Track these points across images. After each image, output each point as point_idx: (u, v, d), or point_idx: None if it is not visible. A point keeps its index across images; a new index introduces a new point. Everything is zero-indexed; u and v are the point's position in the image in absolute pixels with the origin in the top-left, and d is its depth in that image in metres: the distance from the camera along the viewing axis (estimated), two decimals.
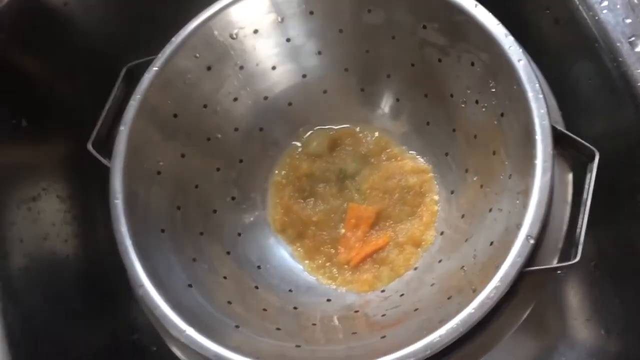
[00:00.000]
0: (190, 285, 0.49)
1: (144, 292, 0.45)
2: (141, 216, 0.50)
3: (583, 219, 0.43)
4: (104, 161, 0.52)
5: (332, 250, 0.59)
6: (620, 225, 0.53)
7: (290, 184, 0.62)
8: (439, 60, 0.55)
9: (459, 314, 0.40)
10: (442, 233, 0.56)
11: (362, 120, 0.64)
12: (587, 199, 0.44)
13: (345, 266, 0.58)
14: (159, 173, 0.53)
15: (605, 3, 0.48)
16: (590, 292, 0.58)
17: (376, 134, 0.63)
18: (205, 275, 0.52)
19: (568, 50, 0.54)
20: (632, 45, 0.47)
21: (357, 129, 0.64)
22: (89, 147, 0.53)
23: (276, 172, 0.63)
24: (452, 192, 0.57)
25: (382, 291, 0.55)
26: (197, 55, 0.55)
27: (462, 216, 0.54)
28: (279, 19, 0.57)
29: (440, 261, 0.53)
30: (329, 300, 0.56)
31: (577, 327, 0.59)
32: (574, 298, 0.60)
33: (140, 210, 0.50)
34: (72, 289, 0.59)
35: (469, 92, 0.53)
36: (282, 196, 0.62)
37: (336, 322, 0.51)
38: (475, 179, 0.54)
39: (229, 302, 0.50)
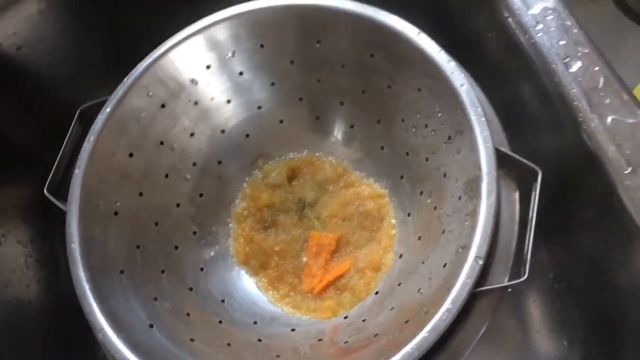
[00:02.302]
0: (151, 326, 0.48)
1: (104, 336, 0.45)
2: (99, 259, 0.49)
3: (529, 236, 0.44)
4: (60, 205, 0.52)
5: (296, 279, 0.60)
6: (574, 239, 0.55)
7: (251, 215, 0.63)
8: (389, 87, 0.56)
9: (414, 338, 0.40)
10: (400, 256, 0.57)
11: (319, 148, 0.65)
12: (532, 217, 0.45)
13: (309, 294, 0.58)
14: (116, 214, 0.53)
15: (540, 26, 0.50)
16: (551, 305, 0.59)
17: (333, 161, 0.64)
18: (167, 313, 0.51)
19: (510, 72, 0.55)
20: (567, 66, 0.48)
21: (315, 157, 0.65)
22: (45, 192, 0.53)
23: (237, 204, 0.64)
24: (408, 215, 0.58)
25: (345, 317, 0.56)
26: (150, 93, 0.56)
27: (419, 238, 0.55)
28: (230, 54, 0.58)
29: (399, 284, 0.54)
30: (293, 330, 0.56)
31: (540, 339, 0.60)
32: (536, 311, 0.61)
33: (98, 252, 0.50)
34: (35, 334, 0.58)
35: (418, 116, 0.54)
36: (244, 228, 0.62)
37: (301, 352, 0.51)
38: (429, 201, 0.54)
39: (192, 340, 0.50)
